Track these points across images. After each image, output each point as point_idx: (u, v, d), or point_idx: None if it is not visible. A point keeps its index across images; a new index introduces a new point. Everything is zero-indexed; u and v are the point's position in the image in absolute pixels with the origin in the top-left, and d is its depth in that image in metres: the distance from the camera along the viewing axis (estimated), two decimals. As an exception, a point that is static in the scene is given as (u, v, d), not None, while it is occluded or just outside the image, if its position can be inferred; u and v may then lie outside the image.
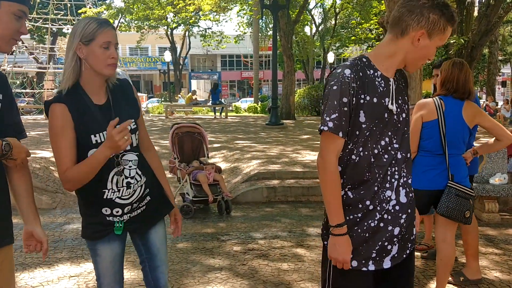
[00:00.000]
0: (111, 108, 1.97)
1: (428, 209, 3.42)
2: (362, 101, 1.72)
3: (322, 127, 1.74)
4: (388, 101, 1.76)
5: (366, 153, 1.75)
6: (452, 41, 16.93)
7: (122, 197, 2.01)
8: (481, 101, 23.71)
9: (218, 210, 5.97)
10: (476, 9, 19.11)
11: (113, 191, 1.99)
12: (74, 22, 21.41)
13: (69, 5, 21.05)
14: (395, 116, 1.79)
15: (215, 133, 12.66)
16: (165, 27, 28.57)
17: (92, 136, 1.92)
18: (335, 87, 1.72)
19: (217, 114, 20.27)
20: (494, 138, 3.26)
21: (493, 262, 4.12)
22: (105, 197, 1.99)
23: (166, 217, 2.28)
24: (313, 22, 33.71)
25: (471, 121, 3.20)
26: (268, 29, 32.76)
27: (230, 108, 26.09)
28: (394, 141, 1.79)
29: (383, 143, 1.76)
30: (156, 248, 2.20)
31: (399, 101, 1.82)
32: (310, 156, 8.40)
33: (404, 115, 1.83)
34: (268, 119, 15.28)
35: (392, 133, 1.78)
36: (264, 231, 4.95)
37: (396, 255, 1.83)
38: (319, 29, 34.47)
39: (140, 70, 45.78)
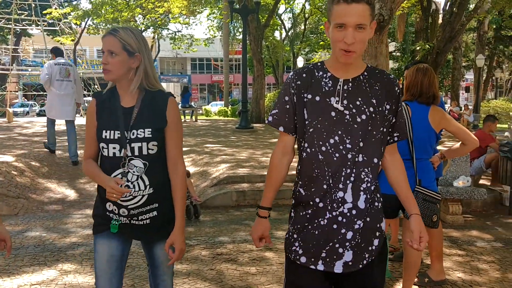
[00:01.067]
0: (134, 112, 2.08)
1: (396, 213, 3.47)
2: (305, 99, 1.83)
3: (266, 120, 1.94)
4: (337, 101, 1.79)
5: (313, 149, 1.80)
6: (418, 47, 17.36)
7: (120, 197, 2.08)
8: (446, 106, 24.37)
9: (187, 214, 5.90)
10: (440, 16, 19.66)
11: None
12: (38, 22, 20.91)
13: (33, 5, 20.54)
14: (348, 116, 1.78)
15: (184, 136, 12.53)
16: (134, 30, 28.11)
17: (104, 131, 2.06)
18: (282, 88, 1.93)
19: (187, 117, 20.14)
20: (460, 142, 3.33)
21: (456, 263, 4.22)
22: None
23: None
24: (283, 27, 33.94)
25: (437, 125, 3.25)
26: (238, 33, 32.81)
27: (200, 111, 25.93)
28: (347, 141, 1.77)
29: (332, 141, 1.78)
30: (159, 261, 2.23)
31: (357, 102, 1.80)
32: (280, 160, 8.40)
33: (363, 116, 1.79)
34: (238, 123, 15.26)
35: (343, 132, 1.77)
36: (232, 235, 4.93)
37: (350, 262, 1.79)
38: (289, 34, 34.74)
39: (108, 72, 44.96)
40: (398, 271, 3.98)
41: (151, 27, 28.27)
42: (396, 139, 1.93)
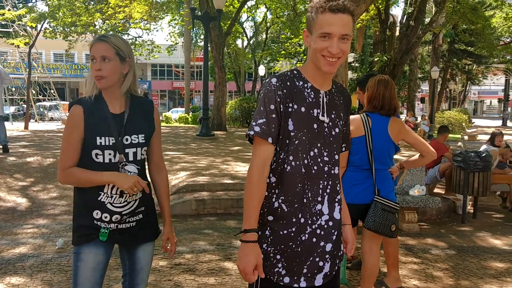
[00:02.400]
0: (124, 118, 2.10)
1: (356, 222, 3.50)
2: (290, 109, 1.74)
3: (249, 132, 1.74)
4: (318, 112, 1.76)
5: (297, 163, 1.74)
6: (376, 59, 17.79)
7: (113, 203, 2.07)
8: (402, 116, 25.06)
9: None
10: (397, 29, 20.25)
11: (107, 195, 2.06)
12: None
13: (-15, 6, 19.79)
14: (326, 129, 1.79)
15: (144, 143, 12.32)
16: (93, 34, 27.64)
17: (98, 138, 2.03)
18: (262, 95, 1.75)
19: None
20: (419, 154, 3.40)
21: (412, 270, 4.30)
22: (99, 198, 2.06)
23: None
24: (245, 35, 34.08)
25: (396, 137, 3.29)
26: (200, 40, 32.70)
27: (160, 118, 25.55)
28: (325, 154, 1.78)
29: (312, 154, 1.75)
30: (140, 266, 2.23)
31: (332, 115, 1.81)
32: (240, 168, 8.40)
33: (337, 130, 1.82)
34: (199, 130, 15.14)
35: (322, 145, 1.77)
36: (191, 245, 4.85)
37: (328, 273, 1.81)
38: (251, 42, 34.91)
39: (65, 77, 43.85)
40: (356, 279, 4.02)
41: (111, 32, 27.77)
42: (344, 149, 1.98)
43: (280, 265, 1.75)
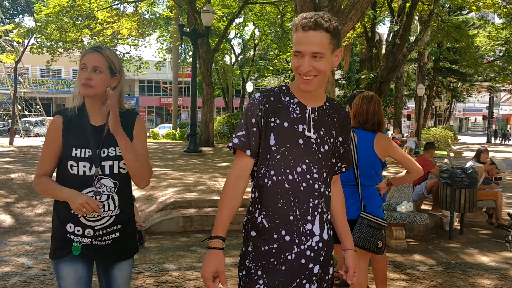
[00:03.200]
0: (104, 130, 2.05)
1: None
2: (272, 124, 1.73)
3: (228, 144, 1.79)
4: (304, 128, 1.74)
5: (279, 178, 1.71)
6: (362, 76, 18.00)
7: (86, 217, 2.02)
8: (389, 133, 25.27)
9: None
10: (384, 47, 20.56)
11: None
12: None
13: (-27, 21, 19.69)
14: (314, 145, 1.75)
15: (131, 159, 12.24)
16: (81, 50, 27.57)
17: (73, 149, 2.01)
18: (246, 109, 1.80)
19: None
20: (406, 170, 3.41)
21: (400, 287, 4.29)
22: (72, 211, 2.00)
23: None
24: (232, 51, 34.29)
25: (382, 153, 3.29)
26: (188, 56, 32.79)
27: (148, 134, 25.47)
28: (314, 171, 1.73)
29: (299, 170, 1.71)
30: (116, 285, 2.17)
31: (321, 132, 1.77)
32: (228, 184, 8.34)
33: (326, 147, 1.78)
34: (186, 146, 15.10)
35: (310, 161, 1.73)
36: (178, 262, 4.79)
37: None
38: (239, 58, 35.13)
39: (51, 92, 43.57)
40: (344, 297, 3.99)
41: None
42: (344, 169, 1.92)
43: (261, 281, 1.71)
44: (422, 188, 7.58)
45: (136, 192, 7.82)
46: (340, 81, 31.35)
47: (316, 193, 1.73)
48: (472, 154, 9.08)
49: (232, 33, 31.18)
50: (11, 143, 16.80)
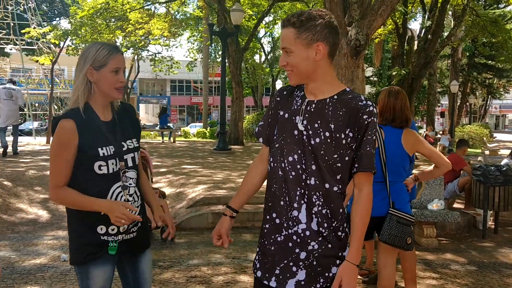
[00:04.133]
0: (116, 125, 2.07)
1: (371, 235, 3.47)
2: (278, 115, 1.89)
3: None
4: (299, 119, 1.80)
5: (275, 165, 1.84)
6: (394, 73, 17.72)
7: None
8: (421, 131, 24.79)
9: (161, 236, 5.80)
10: (416, 43, 20.17)
11: None
12: (17, 42, 20.67)
13: (12, 24, 20.34)
14: (305, 137, 1.77)
15: (162, 157, 12.44)
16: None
17: (100, 149, 1.98)
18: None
19: (165, 138, 19.99)
20: (433, 165, 3.37)
21: (430, 286, 4.23)
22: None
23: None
24: (262, 50, 34.31)
25: (410, 148, 3.27)
26: (218, 56, 33.01)
27: (179, 132, 25.79)
28: (303, 162, 1.76)
29: (290, 159, 1.79)
30: (144, 278, 2.19)
31: (316, 125, 1.76)
32: (257, 182, 8.38)
33: (317, 140, 1.74)
34: (216, 144, 15.22)
35: (302, 153, 1.77)
36: (207, 258, 4.85)
37: (303, 282, 1.75)
38: (268, 57, 35.13)
39: (86, 92, 44.58)
40: (372, 294, 3.96)
41: (131, 49, 28.31)
42: (355, 170, 1.78)
43: (257, 257, 1.92)
44: (454, 186, 7.42)
45: (167, 189, 7.95)
46: (371, 78, 30.93)
47: (303, 183, 1.77)
48: (509, 152, 8.83)
49: (261, 32, 31.18)
50: (47, 141, 17.30)
